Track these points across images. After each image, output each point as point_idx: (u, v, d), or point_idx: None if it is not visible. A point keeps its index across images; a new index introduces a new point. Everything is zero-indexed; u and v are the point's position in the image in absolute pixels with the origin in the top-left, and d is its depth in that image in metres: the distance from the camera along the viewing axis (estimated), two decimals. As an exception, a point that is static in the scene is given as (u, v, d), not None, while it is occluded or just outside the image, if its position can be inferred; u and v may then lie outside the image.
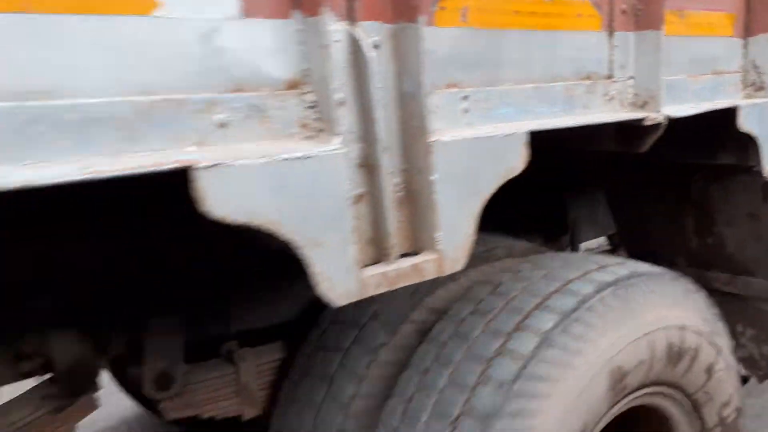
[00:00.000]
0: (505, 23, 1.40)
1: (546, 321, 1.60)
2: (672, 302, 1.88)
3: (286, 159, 1.01)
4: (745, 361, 2.80)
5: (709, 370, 1.96)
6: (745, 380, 2.74)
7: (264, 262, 2.00)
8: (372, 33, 1.13)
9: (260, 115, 1.05)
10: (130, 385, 3.14)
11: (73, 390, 1.73)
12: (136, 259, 1.74)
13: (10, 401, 1.70)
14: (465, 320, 1.68)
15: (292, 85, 1.08)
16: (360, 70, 1.10)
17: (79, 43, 0.85)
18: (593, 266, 1.83)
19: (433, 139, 1.19)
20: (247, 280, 2.06)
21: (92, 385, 1.76)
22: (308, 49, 1.08)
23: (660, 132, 1.77)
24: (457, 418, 1.50)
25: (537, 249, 2.37)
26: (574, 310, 1.63)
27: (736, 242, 2.91)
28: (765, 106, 2.11)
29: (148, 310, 1.82)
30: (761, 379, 2.85)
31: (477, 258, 1.95)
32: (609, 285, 1.74)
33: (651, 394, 1.83)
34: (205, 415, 2.03)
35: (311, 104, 1.10)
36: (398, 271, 1.21)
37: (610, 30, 1.65)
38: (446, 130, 1.26)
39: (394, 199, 1.21)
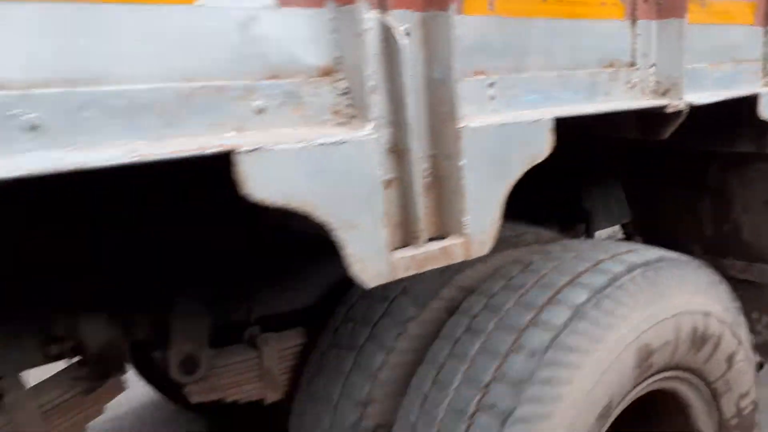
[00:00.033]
0: (531, 12, 1.41)
1: (578, 295, 1.64)
2: (697, 289, 1.91)
3: (322, 144, 1.03)
4: (761, 347, 2.82)
5: (730, 360, 1.99)
6: (760, 366, 2.76)
7: (285, 249, 2.04)
8: (403, 21, 1.15)
9: (295, 102, 1.07)
10: (149, 369, 3.20)
11: (102, 372, 1.77)
12: (163, 243, 1.77)
13: (41, 383, 1.74)
14: (496, 294, 1.73)
15: (326, 73, 1.11)
16: (391, 57, 1.12)
17: (126, 31, 0.87)
18: (623, 249, 1.88)
19: (462, 124, 1.22)
20: (268, 267, 2.09)
21: (120, 368, 1.80)
22: (341, 38, 1.10)
23: (681, 119, 1.78)
24: (488, 384, 1.54)
25: (564, 237, 2.40)
26: (605, 287, 1.67)
27: (753, 230, 2.92)
28: (785, 94, 2.11)
29: (174, 295, 1.86)
30: (776, 366, 2.87)
31: (506, 243, 1.99)
32: (638, 266, 1.78)
33: (673, 378, 1.85)
34: (229, 399, 2.07)
35: (344, 91, 1.12)
36: (427, 254, 1.24)
37: (633, 18, 1.66)
38: (474, 116, 1.28)
39: (423, 184, 1.24)
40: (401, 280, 1.20)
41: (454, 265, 1.28)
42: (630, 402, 1.74)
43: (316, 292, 2.23)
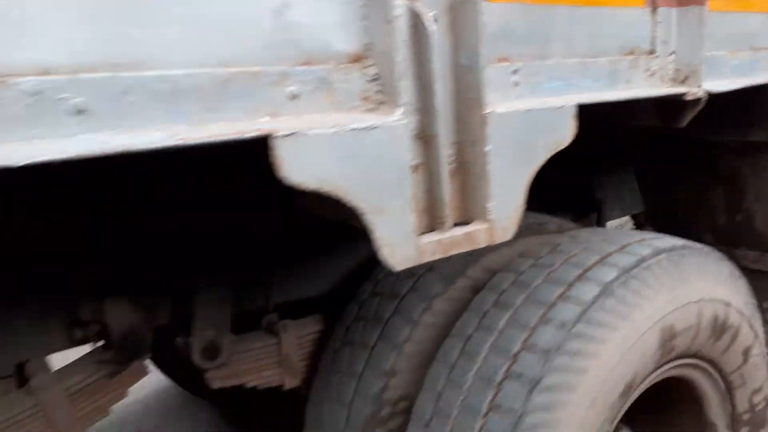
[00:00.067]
0: (554, -2, 1.42)
1: (607, 274, 1.69)
2: (719, 279, 1.94)
3: (354, 129, 1.05)
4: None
5: (746, 353, 2.01)
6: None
7: (314, 235, 2.06)
8: (431, 7, 1.16)
9: (327, 88, 1.09)
10: (161, 356, 3.22)
11: (125, 356, 1.79)
12: (187, 230, 1.79)
13: (66, 366, 1.77)
14: (525, 272, 1.77)
15: (355, 59, 1.12)
16: (420, 43, 1.14)
17: (168, 18, 0.89)
18: (649, 235, 1.93)
19: (488, 110, 1.23)
20: (291, 253, 2.12)
21: (143, 352, 1.83)
22: (371, 24, 1.11)
23: (700, 107, 1.79)
24: (517, 354, 1.58)
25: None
26: (633, 267, 1.72)
27: (765, 219, 2.92)
28: (802, 83, 2.11)
29: (197, 281, 1.88)
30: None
31: (529, 230, 2.03)
32: (665, 251, 1.82)
33: (692, 366, 1.88)
34: (249, 385, 2.10)
35: (373, 77, 1.14)
36: (452, 239, 1.26)
37: (654, 6, 1.66)
38: (498, 102, 1.29)
39: (448, 169, 1.25)
40: (428, 257, 1.22)
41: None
42: (650, 384, 1.76)
43: (333, 280, 2.25)
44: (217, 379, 2.00)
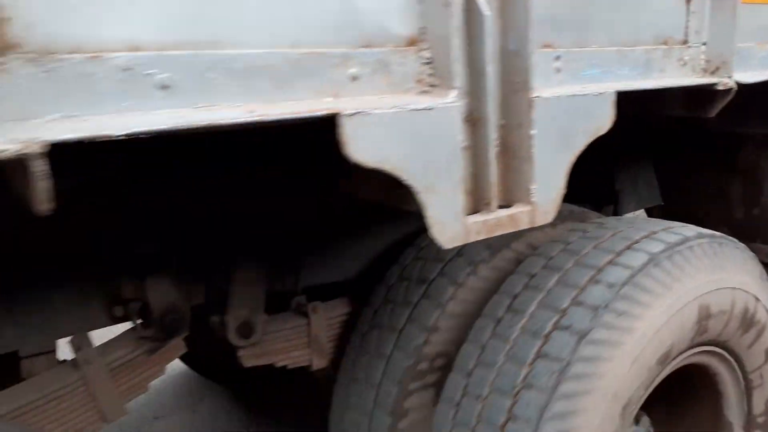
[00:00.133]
0: (596, -14, 1.46)
1: (654, 246, 1.78)
2: (752, 275, 2.02)
3: (413, 110, 1.09)
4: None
5: None
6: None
7: (335, 223, 2.11)
8: (483, -7, 1.20)
9: (384, 70, 1.13)
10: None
11: (165, 333, 1.84)
12: (227, 213, 1.84)
13: (109, 342, 1.82)
14: (574, 242, 1.87)
15: (411, 42, 1.16)
16: (474, 28, 1.17)
17: (245, -2, 0.93)
18: (690, 225, 2.01)
19: (535, 95, 1.27)
20: (317, 239, 2.16)
21: (182, 329, 1.87)
22: (426, 8, 1.15)
23: (730, 97, 1.82)
24: (566, 309, 1.66)
25: None
26: (678, 244, 1.81)
27: (782, 214, 2.96)
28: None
29: (234, 262, 1.93)
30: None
31: (573, 217, 2.10)
32: (706, 236, 1.92)
33: (718, 356, 1.94)
34: (278, 365, 2.15)
35: (427, 60, 1.18)
36: (497, 220, 1.30)
37: (689, -5, 1.70)
38: (542, 87, 1.33)
39: (495, 152, 1.29)
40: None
41: (522, 228, 1.35)
42: (682, 365, 1.81)
43: (359, 264, 2.29)
44: (249, 358, 2.05)
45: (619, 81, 1.55)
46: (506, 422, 1.57)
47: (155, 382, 1.91)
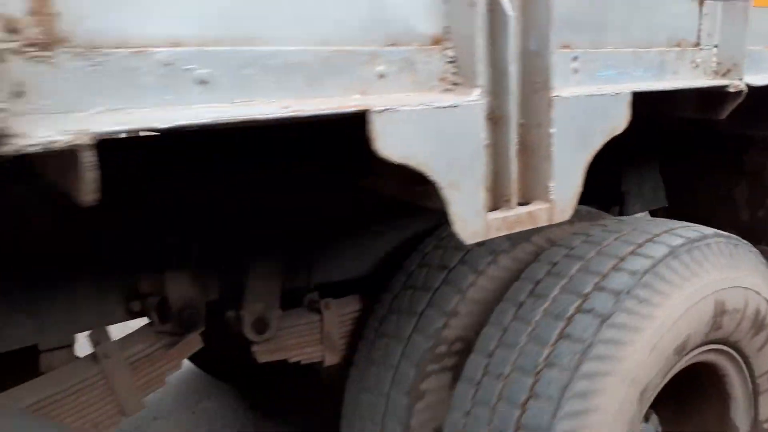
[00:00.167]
0: (613, -12, 1.48)
1: (674, 240, 1.84)
2: (763, 278, 2.06)
3: (438, 107, 1.12)
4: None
5: None
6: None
7: (348, 218, 2.13)
8: (506, -6, 1.23)
9: (410, 68, 1.15)
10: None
11: (183, 328, 1.86)
12: (244, 209, 1.86)
13: (127, 336, 1.84)
14: (595, 234, 1.92)
15: (436, 41, 1.18)
16: (497, 27, 1.20)
17: (279, -4, 0.96)
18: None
19: (554, 94, 1.29)
20: (328, 236, 2.18)
21: (199, 324, 1.89)
22: (451, 8, 1.18)
23: (740, 99, 1.85)
24: (588, 293, 1.71)
25: None
26: (697, 240, 1.87)
27: (788, 216, 2.98)
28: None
29: (249, 258, 1.95)
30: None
31: (590, 216, 2.14)
32: (724, 236, 1.98)
33: (729, 356, 1.97)
34: (292, 360, 2.17)
35: (451, 59, 1.20)
36: (517, 217, 1.33)
37: (701, -1, 1.73)
38: (560, 87, 1.35)
39: (515, 150, 1.32)
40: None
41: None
42: (696, 358, 1.85)
43: (371, 262, 2.32)
44: (263, 353, 2.07)
45: (634, 82, 1.57)
46: (527, 400, 1.61)
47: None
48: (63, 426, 1.66)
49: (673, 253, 1.79)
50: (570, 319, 1.67)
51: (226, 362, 3.27)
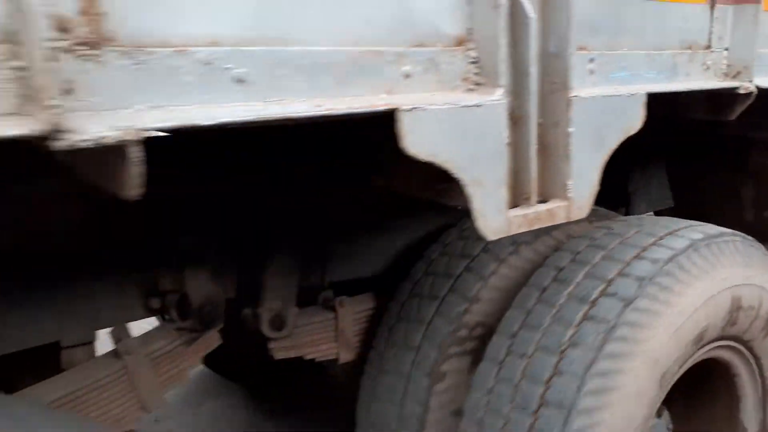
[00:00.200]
0: (628, -8, 1.52)
1: (695, 234, 1.91)
2: None
3: (463, 106, 1.15)
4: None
5: None
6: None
7: (361, 217, 2.16)
8: (527, -4, 1.26)
9: (435, 69, 1.18)
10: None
11: (202, 325, 1.89)
12: (258, 204, 1.89)
13: (149, 332, 1.87)
14: (617, 226, 1.99)
15: (459, 42, 1.22)
16: (519, 29, 1.23)
17: (312, -1, 0.99)
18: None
19: (573, 94, 1.32)
20: (343, 234, 2.21)
21: (218, 321, 1.92)
22: (474, 10, 1.21)
23: (750, 101, 1.88)
24: (611, 279, 1.76)
25: None
26: (716, 236, 1.93)
27: (793, 216, 3.01)
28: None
29: (267, 256, 1.98)
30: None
31: (605, 216, 2.20)
32: (740, 236, 2.04)
33: (741, 355, 2.01)
34: (307, 357, 2.20)
35: (473, 60, 1.23)
36: (536, 214, 1.36)
37: (713, 2, 1.76)
38: (578, 88, 1.39)
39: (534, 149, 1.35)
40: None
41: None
42: (711, 353, 1.88)
43: (384, 261, 2.34)
44: (280, 350, 2.10)
45: (647, 84, 1.61)
46: (551, 377, 1.65)
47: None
48: (87, 420, 1.69)
49: (693, 245, 1.85)
50: (594, 302, 1.71)
51: (237, 360, 3.29)
